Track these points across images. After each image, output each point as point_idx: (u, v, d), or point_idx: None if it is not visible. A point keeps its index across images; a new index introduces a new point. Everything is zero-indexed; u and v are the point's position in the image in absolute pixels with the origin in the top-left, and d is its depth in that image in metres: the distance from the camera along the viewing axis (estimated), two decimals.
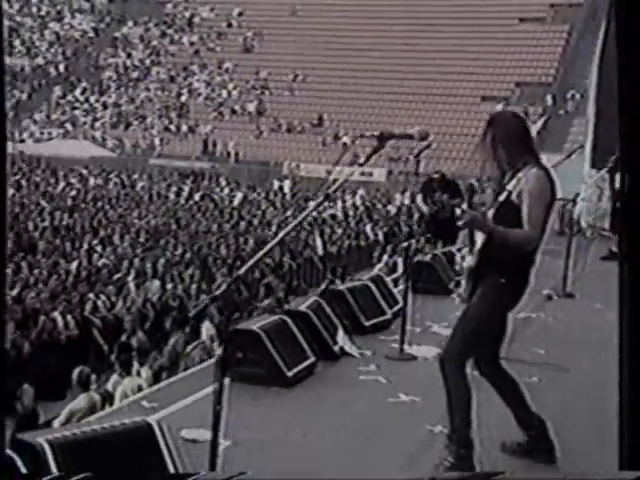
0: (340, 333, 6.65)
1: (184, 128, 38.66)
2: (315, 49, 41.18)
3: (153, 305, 11.62)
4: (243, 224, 18.26)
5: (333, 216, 21.74)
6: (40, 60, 45.68)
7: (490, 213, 4.48)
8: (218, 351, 3.15)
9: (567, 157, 24.42)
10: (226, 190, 25.97)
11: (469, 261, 4.54)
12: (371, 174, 31.32)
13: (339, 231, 19.27)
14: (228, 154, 35.83)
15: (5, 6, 49.54)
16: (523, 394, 4.65)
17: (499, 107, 33.27)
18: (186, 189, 25.14)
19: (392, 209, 24.45)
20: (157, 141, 37.78)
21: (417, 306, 7.66)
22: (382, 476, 4.35)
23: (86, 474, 3.26)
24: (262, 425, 5.02)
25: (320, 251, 17.40)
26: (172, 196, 23.34)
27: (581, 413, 5.57)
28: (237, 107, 39.59)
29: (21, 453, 3.48)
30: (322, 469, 4.42)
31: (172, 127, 38.91)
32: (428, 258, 9.32)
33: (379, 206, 25.06)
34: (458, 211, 4.57)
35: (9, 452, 3.44)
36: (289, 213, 21.91)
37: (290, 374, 5.66)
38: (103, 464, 3.60)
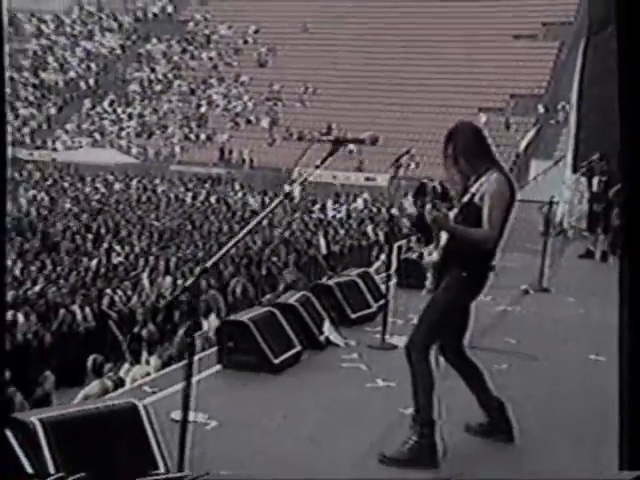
0: (326, 324, 6.69)
1: (202, 137, 38.73)
2: (324, 63, 41.18)
3: (165, 299, 11.69)
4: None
5: (339, 219, 21.79)
6: (72, 75, 45.83)
7: (454, 213, 4.54)
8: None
9: (555, 164, 24.42)
10: (239, 194, 26.03)
11: (434, 256, 4.59)
12: (375, 179, 31.36)
13: (342, 232, 19.29)
14: (243, 161, 35.87)
15: (42, 26, 49.87)
16: (485, 379, 4.69)
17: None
18: (203, 193, 25.20)
19: (394, 212, 24.38)
20: (177, 149, 37.83)
21: (402, 300, 7.71)
22: (352, 454, 4.38)
23: (81, 475, 3.31)
24: (248, 407, 5.09)
25: (324, 250, 17.43)
26: (189, 199, 23.39)
27: (544, 396, 5.62)
28: (252, 117, 39.63)
29: (15, 431, 3.54)
30: (297, 448, 4.46)
31: (192, 136, 38.96)
32: (415, 256, 9.34)
33: (382, 209, 25.01)
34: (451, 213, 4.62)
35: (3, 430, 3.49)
36: (297, 215, 21.98)
37: (277, 361, 5.71)
38: (90, 441, 3.66)
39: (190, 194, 24.87)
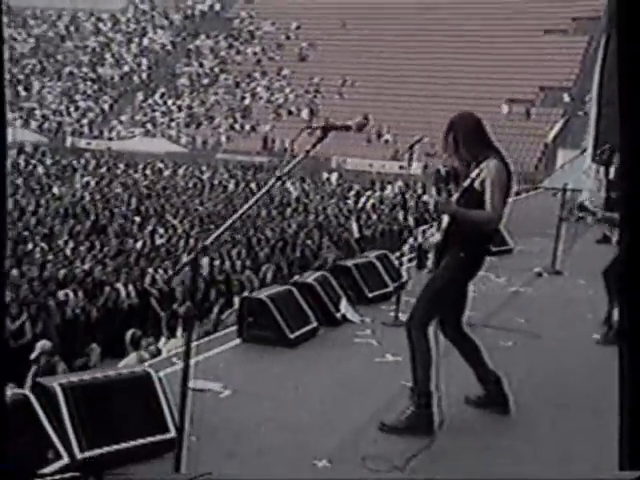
0: (343, 302, 6.71)
1: (247, 127, 38.88)
2: (362, 57, 40.99)
3: (204, 279, 11.76)
4: (289, 210, 18.34)
5: (373, 205, 21.70)
6: (126, 69, 46.28)
7: (455, 197, 4.53)
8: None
9: (581, 153, 24.01)
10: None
11: (436, 237, 4.60)
12: (404, 167, 31.19)
13: (374, 217, 19.24)
14: (285, 150, 35.96)
15: (100, 25, 50.37)
16: (482, 355, 4.68)
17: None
18: (245, 180, 25.29)
19: (426, 198, 24.26)
20: (223, 138, 38.04)
21: (421, 281, 7.71)
22: (355, 422, 4.42)
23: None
24: (262, 378, 5.14)
25: (356, 234, 17.41)
26: (232, 186, 23.46)
27: (544, 371, 5.60)
28: (293, 109, 39.64)
29: (38, 395, 3.64)
30: (305, 416, 4.51)
31: (236, 126, 39.14)
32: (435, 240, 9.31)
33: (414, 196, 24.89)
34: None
35: (27, 392, 3.59)
36: (333, 200, 21.97)
37: (292, 336, 5.75)
38: (106, 404, 3.75)
39: (233, 181, 24.95)
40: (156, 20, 50.29)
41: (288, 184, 25.75)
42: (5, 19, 52.26)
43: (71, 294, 10.36)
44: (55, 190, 19.62)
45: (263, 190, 3.28)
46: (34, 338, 9.37)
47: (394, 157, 34.55)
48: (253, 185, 23.73)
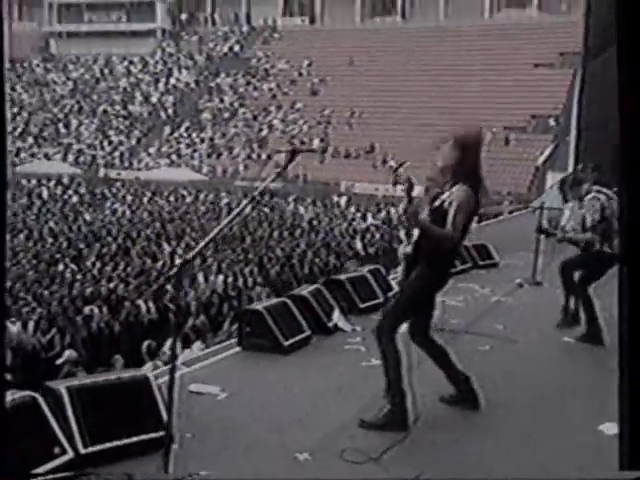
0: (336, 312, 6.74)
1: (263, 156, 39.12)
2: (368, 91, 41.25)
3: (218, 295, 11.87)
4: (299, 231, 18.44)
5: (376, 226, 21.76)
6: (154, 106, 46.76)
7: (425, 214, 4.59)
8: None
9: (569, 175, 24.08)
10: (292, 205, 26.20)
11: (408, 249, 4.66)
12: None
13: (377, 236, 19.31)
14: (297, 176, 36.15)
15: (131, 67, 50.96)
16: (450, 358, 4.70)
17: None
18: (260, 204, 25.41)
19: None
20: (242, 167, 38.30)
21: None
22: (339, 421, 4.47)
23: None
24: (257, 382, 5.17)
25: (360, 252, 17.49)
26: (247, 210, 23.58)
27: (516, 372, 5.62)
28: (305, 139, 39.87)
29: (46, 396, 3.73)
30: (293, 416, 4.55)
31: (254, 155, 39.41)
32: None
33: None
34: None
35: (35, 394, 3.68)
36: (339, 222, 22.06)
37: (286, 344, 5.78)
38: (108, 405, 3.83)
39: (249, 205, 25.06)
40: (181, 61, 50.81)
41: (300, 207, 25.94)
42: (48, 65, 53.19)
43: (96, 310, 10.48)
44: (87, 216, 19.84)
45: (239, 209, 3.38)
46: (62, 350, 9.52)
47: (396, 182, 34.53)
48: (267, 209, 23.85)
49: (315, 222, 21.25)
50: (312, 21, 51.62)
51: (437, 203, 4.50)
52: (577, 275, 6.64)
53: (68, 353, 8.12)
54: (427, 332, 4.65)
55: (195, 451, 3.90)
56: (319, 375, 5.39)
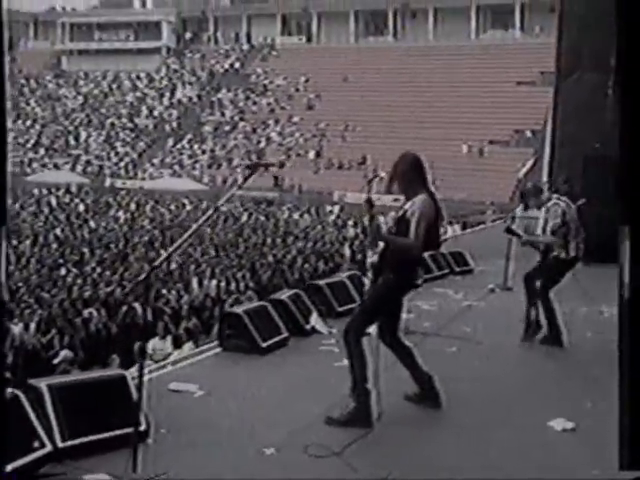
0: (314, 316, 6.76)
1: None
2: (361, 106, 41.42)
3: (212, 298, 11.87)
4: (291, 238, 18.44)
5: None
6: (158, 120, 46.85)
7: (390, 224, 4.65)
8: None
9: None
10: (286, 213, 26.22)
11: (374, 259, 4.71)
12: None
13: (366, 243, 19.30)
14: (293, 186, 36.24)
15: (137, 82, 51.03)
16: (415, 358, 4.73)
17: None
18: (255, 212, 25.47)
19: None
20: (240, 177, 38.35)
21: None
22: (307, 417, 4.49)
23: None
24: (233, 381, 5.21)
25: (348, 258, 17.50)
26: (244, 218, 23.61)
27: (479, 372, 5.66)
28: (301, 151, 39.98)
29: (27, 393, 3.77)
30: (263, 412, 4.58)
31: None
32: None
33: None
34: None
35: (16, 392, 3.71)
36: (331, 229, 22.05)
37: (264, 345, 5.80)
38: (86, 402, 3.86)
39: (246, 213, 25.12)
40: (185, 77, 50.98)
41: (295, 215, 25.95)
42: (60, 81, 53.29)
43: (94, 312, 10.50)
44: (91, 223, 19.86)
45: (203, 218, 3.42)
46: (61, 349, 9.55)
47: (388, 191, 34.61)
48: (262, 217, 23.87)
49: (308, 230, 21.25)
50: (309, 40, 51.90)
51: (400, 213, 4.56)
52: (538, 283, 6.70)
53: (64, 353, 8.14)
54: (395, 334, 4.68)
55: (168, 445, 3.94)
56: (292, 374, 5.43)
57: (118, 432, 3.82)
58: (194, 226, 3.38)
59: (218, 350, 5.96)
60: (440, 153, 37.07)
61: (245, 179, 3.54)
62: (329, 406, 4.62)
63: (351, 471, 3.73)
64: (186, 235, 3.31)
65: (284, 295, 6.67)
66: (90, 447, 3.74)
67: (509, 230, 7.54)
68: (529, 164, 33.74)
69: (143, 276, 3.17)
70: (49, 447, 3.63)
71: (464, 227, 24.77)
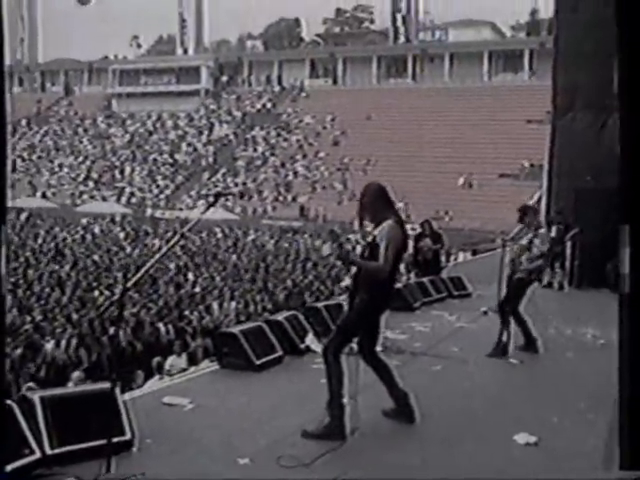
0: (309, 336, 6.71)
1: (289, 198, 39.40)
2: (383, 142, 41.49)
3: (231, 320, 11.89)
4: (310, 264, 18.44)
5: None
6: (196, 155, 47.47)
7: (360, 250, 4.66)
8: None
9: None
10: (309, 241, 26.23)
11: (347, 282, 4.71)
12: None
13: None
14: (317, 216, 36.30)
15: (178, 121, 51.87)
16: (393, 376, 4.69)
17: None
18: (280, 240, 25.54)
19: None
20: (269, 208, 38.59)
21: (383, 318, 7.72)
22: (286, 431, 4.45)
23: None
24: (223, 395, 5.17)
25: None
26: (269, 245, 23.68)
27: (460, 388, 5.58)
28: (326, 184, 40.11)
29: (21, 405, 3.80)
30: (246, 425, 4.55)
31: (280, 198, 39.70)
32: (400, 285, 9.32)
33: None
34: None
35: (9, 402, 3.75)
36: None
37: (258, 362, 5.76)
38: (75, 412, 3.87)
39: (272, 241, 25.22)
40: (221, 117, 51.64)
41: (317, 242, 25.96)
42: (109, 121, 54.49)
43: (121, 331, 10.57)
44: (128, 250, 20.12)
45: (169, 245, 3.45)
46: (90, 365, 9.65)
47: (407, 221, 34.52)
48: (286, 244, 23.93)
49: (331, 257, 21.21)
50: (335, 82, 52.41)
51: (370, 239, 4.55)
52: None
53: (77, 375, 8.17)
54: (373, 351, 4.65)
55: (149, 454, 3.95)
56: (281, 390, 5.40)
57: (104, 441, 3.82)
58: (159, 254, 3.41)
59: (216, 367, 5.95)
60: (455, 186, 37.14)
61: (208, 207, 3.58)
62: (308, 420, 4.58)
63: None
64: (156, 257, 3.34)
65: (281, 316, 6.65)
66: (76, 455, 3.75)
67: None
68: (536, 196, 33.53)
69: (117, 297, 3.19)
70: (38, 454, 3.66)
71: (474, 254, 24.57)
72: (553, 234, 11.42)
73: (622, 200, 2.58)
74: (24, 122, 54.09)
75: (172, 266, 16.07)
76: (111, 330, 10.65)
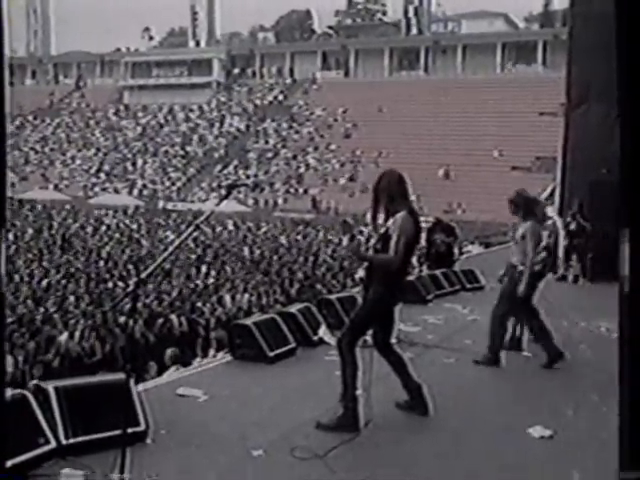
0: (322, 328, 6.72)
1: (300, 191, 39.39)
2: (394, 135, 41.41)
3: (244, 311, 11.88)
4: (322, 257, 18.41)
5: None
6: (208, 148, 47.54)
7: (373, 241, 4.60)
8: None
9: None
10: (321, 233, 26.19)
11: (361, 274, 4.68)
12: None
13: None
14: (328, 209, 36.28)
15: (190, 114, 51.91)
16: (407, 367, 4.66)
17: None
18: (293, 233, 25.50)
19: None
20: (280, 200, 38.61)
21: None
22: (300, 421, 4.46)
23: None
24: (237, 387, 5.19)
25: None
26: (282, 239, 23.61)
27: (471, 380, 5.57)
28: (337, 176, 40.06)
29: (37, 395, 3.82)
30: (259, 415, 4.56)
31: (292, 190, 39.70)
32: (413, 278, 9.30)
33: None
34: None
35: (25, 392, 3.77)
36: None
37: (271, 354, 5.77)
38: (89, 403, 3.89)
39: (285, 234, 25.19)
40: (233, 109, 51.72)
41: (328, 235, 25.89)
42: (121, 113, 54.65)
43: (131, 322, 10.61)
44: (143, 242, 20.18)
45: (183, 236, 3.43)
46: (103, 356, 9.71)
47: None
48: (299, 237, 23.91)
49: (337, 248, 21.19)
50: (346, 74, 52.26)
51: (383, 230, 4.49)
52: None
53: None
54: (388, 342, 4.61)
55: (163, 445, 3.96)
56: (293, 381, 5.40)
57: (118, 432, 3.83)
58: (173, 245, 3.40)
59: (229, 359, 5.96)
60: (469, 178, 36.89)
61: (222, 199, 3.56)
62: (322, 411, 4.57)
63: (330, 473, 3.68)
64: (170, 249, 3.34)
65: (294, 308, 6.65)
66: (91, 445, 3.77)
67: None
68: (549, 189, 33.28)
69: (131, 288, 3.19)
70: (53, 444, 3.67)
71: (487, 247, 24.45)
72: (573, 227, 11.37)
73: (622, 200, 2.53)
74: (36, 115, 54.37)
75: (185, 258, 16.08)
76: (124, 322, 10.72)
